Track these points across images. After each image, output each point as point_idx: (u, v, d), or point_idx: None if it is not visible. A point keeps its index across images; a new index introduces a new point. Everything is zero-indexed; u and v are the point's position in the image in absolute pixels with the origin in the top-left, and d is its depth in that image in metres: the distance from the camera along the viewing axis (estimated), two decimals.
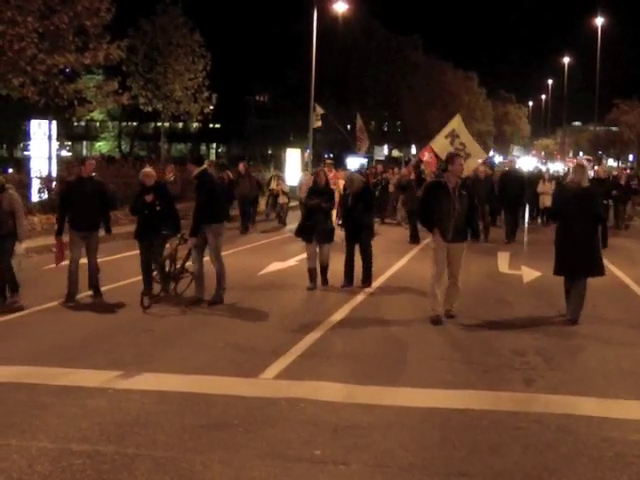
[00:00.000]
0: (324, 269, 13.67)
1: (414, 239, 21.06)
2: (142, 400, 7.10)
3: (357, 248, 13.75)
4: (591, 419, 6.76)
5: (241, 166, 25.77)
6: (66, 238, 12.27)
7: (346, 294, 12.80)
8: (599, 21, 65.54)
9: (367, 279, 13.70)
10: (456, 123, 17.98)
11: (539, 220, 29.08)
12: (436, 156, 20.96)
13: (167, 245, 12.38)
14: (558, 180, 27.81)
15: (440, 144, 18.62)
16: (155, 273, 12.09)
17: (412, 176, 23.59)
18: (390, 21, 70.07)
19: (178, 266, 12.27)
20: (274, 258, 16.96)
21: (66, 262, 12.12)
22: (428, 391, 7.55)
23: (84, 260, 12.16)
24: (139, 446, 5.99)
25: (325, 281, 13.66)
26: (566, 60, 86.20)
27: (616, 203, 26.83)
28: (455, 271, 11.01)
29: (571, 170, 11.35)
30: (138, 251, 12.44)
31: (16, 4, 23.05)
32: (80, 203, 12.00)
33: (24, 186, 22.70)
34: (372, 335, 9.99)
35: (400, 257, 17.64)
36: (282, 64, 63.16)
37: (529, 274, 15.43)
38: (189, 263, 12.21)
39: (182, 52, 39.13)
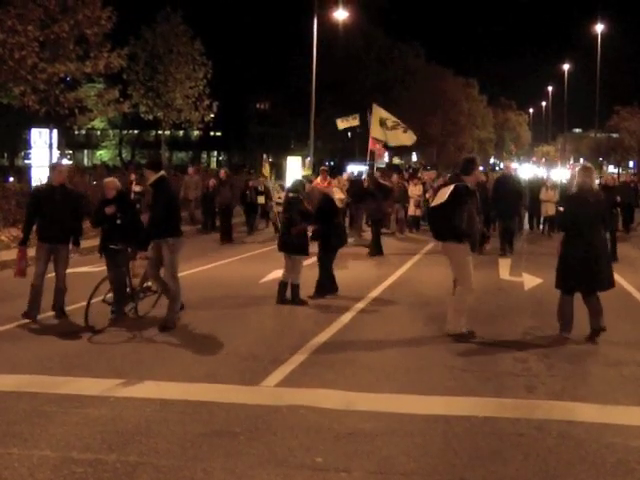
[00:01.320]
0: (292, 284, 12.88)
1: (379, 250, 19.57)
2: (144, 408, 7.11)
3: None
4: (593, 425, 6.76)
5: (222, 173, 25.40)
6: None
7: (347, 302, 12.79)
8: (599, 27, 65.71)
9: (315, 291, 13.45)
10: (379, 113, 19.49)
11: (541, 229, 27.54)
12: (385, 147, 22.17)
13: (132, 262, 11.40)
14: (564, 187, 27.13)
15: (379, 133, 19.90)
16: (110, 295, 10.97)
17: (366, 184, 21.80)
18: (391, 28, 70.02)
19: (137, 284, 11.44)
20: (275, 266, 16.94)
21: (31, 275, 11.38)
22: (430, 398, 7.55)
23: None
24: (141, 454, 5.99)
25: (293, 297, 12.78)
26: (566, 67, 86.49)
27: (625, 209, 25.53)
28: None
29: (577, 173, 10.48)
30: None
31: (17, 13, 23.17)
32: (49, 213, 11.16)
33: (25, 195, 22.70)
34: (374, 343, 9.99)
35: (397, 267, 17.56)
36: (283, 72, 63.33)
37: (530, 281, 15.42)
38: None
39: (183, 60, 39.23)
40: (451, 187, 10.05)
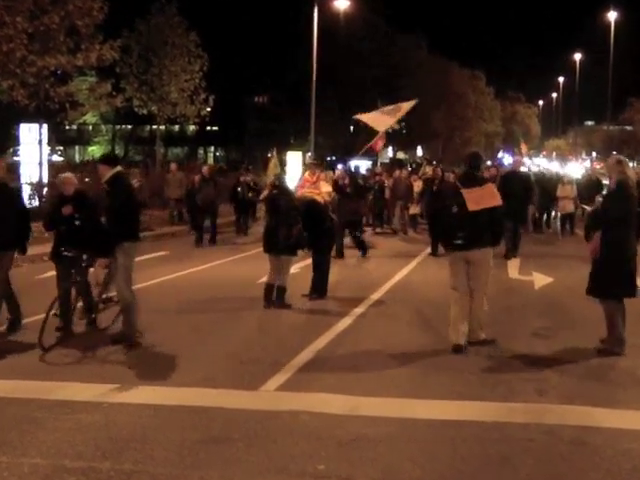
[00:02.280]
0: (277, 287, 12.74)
1: (341, 254, 18.77)
2: (138, 414, 7.10)
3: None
4: (608, 431, 6.73)
5: (204, 169, 24.19)
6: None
7: (349, 304, 12.78)
8: (612, 16, 65.66)
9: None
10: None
11: (558, 228, 26.07)
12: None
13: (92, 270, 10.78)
14: (581, 183, 26.52)
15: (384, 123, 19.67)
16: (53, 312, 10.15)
17: (346, 180, 20.66)
18: (393, 19, 69.64)
19: (97, 293, 10.89)
20: None
21: None
22: (436, 402, 7.53)
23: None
24: (136, 462, 5.98)
25: (278, 300, 12.63)
26: (578, 57, 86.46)
27: None
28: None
29: (610, 168, 9.93)
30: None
31: (4, 4, 23.14)
32: None
33: None
34: (377, 345, 9.97)
35: (400, 268, 17.51)
36: (282, 64, 63.24)
37: (541, 280, 15.38)
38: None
39: (178, 52, 39.13)
40: (491, 186, 9.97)
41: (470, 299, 9.82)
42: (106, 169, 10.05)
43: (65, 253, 10.38)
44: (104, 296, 11.00)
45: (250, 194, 25.45)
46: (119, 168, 10.22)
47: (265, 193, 21.14)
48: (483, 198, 9.67)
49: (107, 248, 10.00)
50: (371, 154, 44.02)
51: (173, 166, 29.25)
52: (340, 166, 37.90)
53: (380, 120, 20.47)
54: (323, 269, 13.55)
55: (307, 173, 19.64)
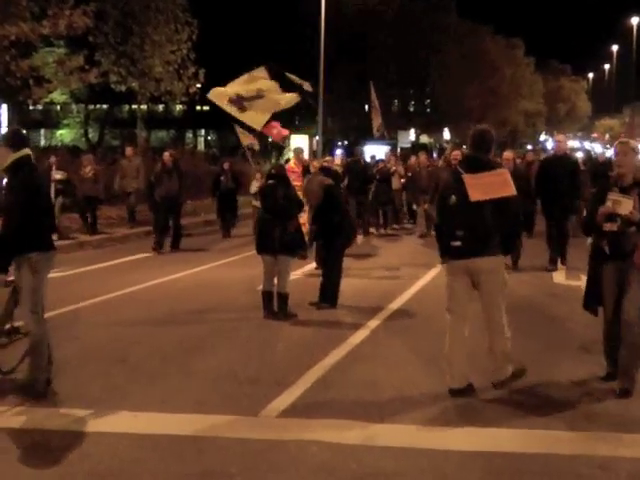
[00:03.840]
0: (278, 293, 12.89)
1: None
2: (116, 445, 7.11)
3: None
4: None
5: (166, 156, 22.52)
6: None
7: (363, 315, 12.80)
8: None
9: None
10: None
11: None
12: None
13: None
14: None
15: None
16: None
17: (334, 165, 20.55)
18: None
19: None
20: None
21: None
22: (466, 430, 7.53)
23: None
24: None
25: (280, 309, 12.79)
26: (635, 21, 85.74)
27: None
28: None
29: None
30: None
31: None
32: None
33: None
34: (397, 363, 9.98)
35: (422, 274, 17.40)
36: (284, 32, 63.16)
37: None
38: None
39: (162, 19, 39.10)
40: (504, 173, 8.87)
41: (486, 330, 8.86)
42: (6, 152, 8.75)
43: None
44: (7, 326, 10.19)
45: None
46: (25, 151, 8.81)
47: (255, 184, 21.02)
48: (492, 186, 8.59)
49: (3, 261, 8.56)
50: (381, 139, 43.86)
51: (129, 150, 27.67)
52: (339, 151, 37.65)
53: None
54: (335, 274, 13.58)
55: (292, 161, 19.21)
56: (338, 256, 13.66)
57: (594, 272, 9.09)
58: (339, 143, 60.26)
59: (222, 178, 24.90)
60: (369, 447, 7.07)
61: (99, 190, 23.83)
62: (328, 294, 13.42)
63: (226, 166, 25.61)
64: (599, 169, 25.78)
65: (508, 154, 19.36)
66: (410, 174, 27.09)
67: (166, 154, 22.87)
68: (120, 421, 7.77)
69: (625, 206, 8.54)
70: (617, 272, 8.73)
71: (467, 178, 8.60)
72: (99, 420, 7.78)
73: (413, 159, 28.52)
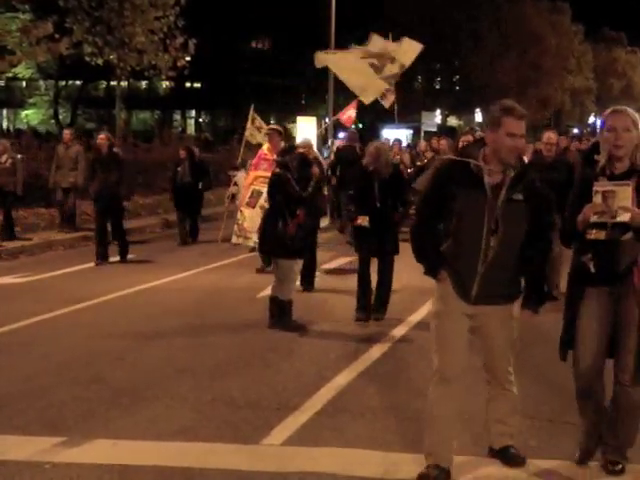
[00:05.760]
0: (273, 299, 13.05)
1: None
2: (93, 478, 7.13)
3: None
4: None
5: (101, 140, 20.53)
6: None
7: (381, 327, 12.84)
8: None
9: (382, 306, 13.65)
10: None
11: None
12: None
13: None
14: None
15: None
16: None
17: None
18: None
19: None
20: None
21: None
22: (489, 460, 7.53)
23: None
24: None
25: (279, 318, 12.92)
26: None
27: None
28: (498, 365, 7.60)
29: None
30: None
31: None
32: None
33: None
34: (417, 382, 9.93)
35: None
36: None
37: None
38: None
39: None
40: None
41: (488, 387, 7.77)
42: None
43: None
44: None
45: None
46: None
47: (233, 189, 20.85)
48: None
49: None
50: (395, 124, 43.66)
51: (66, 133, 25.40)
52: (342, 134, 37.23)
53: (358, 70, 18.94)
54: (390, 281, 13.72)
55: (265, 146, 18.59)
56: (393, 259, 13.75)
57: (574, 301, 7.29)
58: (352, 126, 60.16)
59: (179, 169, 23.32)
60: None
61: (17, 184, 22.30)
62: (384, 303, 13.61)
63: (182, 154, 23.75)
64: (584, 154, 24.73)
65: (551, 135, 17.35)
66: (419, 163, 25.91)
67: (101, 137, 20.91)
68: (97, 450, 7.79)
69: (622, 196, 6.83)
70: (606, 303, 7.12)
71: None
72: (72, 450, 7.80)
73: (423, 144, 28.09)
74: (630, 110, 7.17)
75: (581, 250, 7.16)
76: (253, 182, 18.01)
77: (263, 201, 16.37)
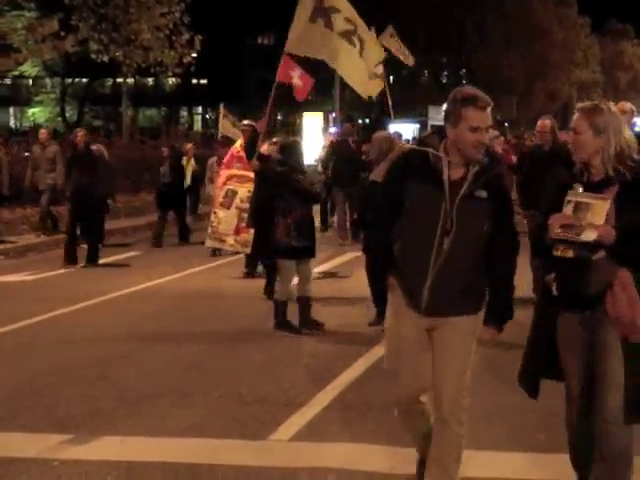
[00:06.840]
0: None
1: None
2: (102, 475, 7.14)
3: None
4: None
5: (79, 136, 19.92)
6: None
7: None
8: None
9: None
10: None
11: None
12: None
13: None
14: None
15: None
16: None
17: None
18: None
19: None
20: None
21: None
22: (511, 456, 7.54)
23: None
24: None
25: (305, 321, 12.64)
26: None
27: None
28: (445, 391, 6.49)
29: None
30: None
31: None
32: None
33: None
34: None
35: None
36: None
37: None
38: None
39: None
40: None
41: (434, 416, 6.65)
42: None
43: None
44: None
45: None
46: None
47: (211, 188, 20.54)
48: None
49: None
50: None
51: (43, 133, 24.37)
52: (333, 129, 36.52)
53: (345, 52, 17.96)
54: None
55: (238, 143, 17.65)
56: None
57: (541, 323, 6.38)
58: (359, 121, 60.06)
59: (161, 169, 22.56)
60: (396, 475, 7.09)
61: (2, 184, 21.80)
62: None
63: (165, 152, 23.23)
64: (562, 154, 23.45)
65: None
66: None
67: (79, 133, 20.33)
68: (105, 448, 7.79)
69: (596, 211, 5.83)
70: (580, 332, 6.14)
71: None
72: (80, 447, 7.80)
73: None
74: (599, 108, 6.03)
75: (547, 267, 6.27)
76: (227, 181, 16.98)
77: (239, 201, 16.19)
